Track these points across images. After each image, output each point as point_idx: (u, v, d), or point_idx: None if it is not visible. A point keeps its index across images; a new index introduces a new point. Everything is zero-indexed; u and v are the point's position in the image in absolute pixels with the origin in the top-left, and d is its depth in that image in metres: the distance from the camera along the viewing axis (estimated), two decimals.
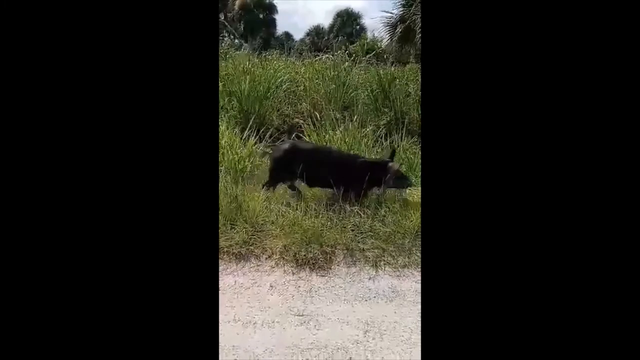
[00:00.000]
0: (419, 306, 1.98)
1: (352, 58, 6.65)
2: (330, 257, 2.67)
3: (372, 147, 4.35)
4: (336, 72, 5.71)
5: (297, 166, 3.19)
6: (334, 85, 5.49)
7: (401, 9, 9.09)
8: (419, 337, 1.29)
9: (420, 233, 2.74)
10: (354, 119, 4.71)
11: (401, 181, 3.27)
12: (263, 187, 3.35)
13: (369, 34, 14.84)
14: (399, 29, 9.13)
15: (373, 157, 3.86)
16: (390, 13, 9.44)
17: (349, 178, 3.17)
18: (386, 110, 5.30)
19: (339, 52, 6.78)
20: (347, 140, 4.28)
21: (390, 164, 3.28)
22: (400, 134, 4.61)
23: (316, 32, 25.34)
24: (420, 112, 5.41)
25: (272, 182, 3.38)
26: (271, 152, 3.62)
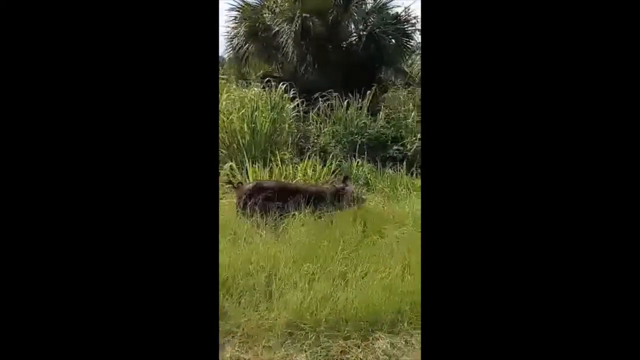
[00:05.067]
0: None
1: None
2: None
3: None
4: None
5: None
6: None
7: (233, 24, 8.45)
8: None
9: None
10: None
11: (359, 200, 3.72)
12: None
13: None
14: (236, 44, 8.48)
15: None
16: (229, 27, 8.80)
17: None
18: None
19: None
20: None
21: (346, 187, 3.71)
22: None
23: None
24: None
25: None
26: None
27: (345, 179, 3.93)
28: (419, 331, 2.07)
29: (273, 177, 4.44)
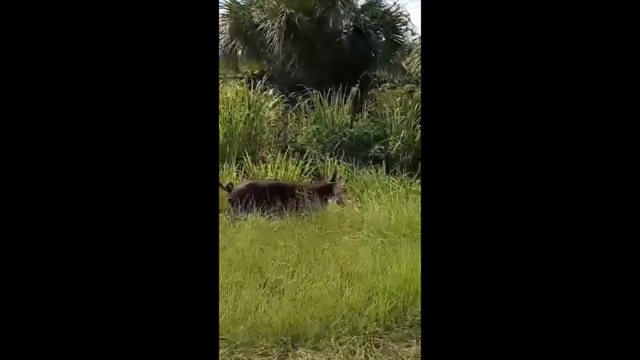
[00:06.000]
0: None
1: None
2: None
3: None
4: None
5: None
6: None
7: (220, 21, 8.31)
8: None
9: None
10: None
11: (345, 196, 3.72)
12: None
13: None
14: (222, 41, 8.35)
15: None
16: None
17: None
18: None
19: None
20: None
21: (336, 184, 3.72)
22: None
23: None
24: None
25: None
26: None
27: (335, 174, 3.84)
28: (345, 347, 1.94)
29: (241, 177, 4.34)
